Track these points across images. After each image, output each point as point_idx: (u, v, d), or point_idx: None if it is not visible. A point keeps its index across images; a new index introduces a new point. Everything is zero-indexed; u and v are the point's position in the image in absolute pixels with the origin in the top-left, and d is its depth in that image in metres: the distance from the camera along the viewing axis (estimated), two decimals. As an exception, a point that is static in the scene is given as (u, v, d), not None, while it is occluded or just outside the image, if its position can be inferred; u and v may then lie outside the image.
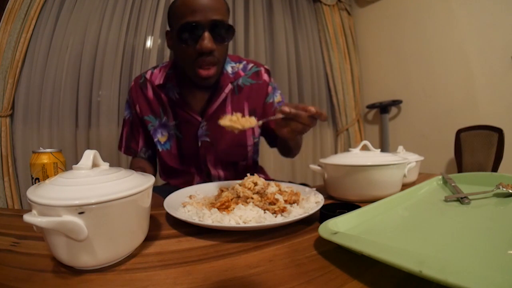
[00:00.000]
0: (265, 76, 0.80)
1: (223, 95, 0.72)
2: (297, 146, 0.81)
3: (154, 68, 0.77)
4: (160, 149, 0.75)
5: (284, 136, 0.56)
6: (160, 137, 0.75)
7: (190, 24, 0.58)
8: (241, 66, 0.77)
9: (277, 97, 0.83)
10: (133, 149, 0.80)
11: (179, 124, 0.73)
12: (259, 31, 1.94)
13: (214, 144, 0.75)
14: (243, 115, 0.60)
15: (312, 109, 0.50)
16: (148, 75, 0.75)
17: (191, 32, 0.59)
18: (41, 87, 1.37)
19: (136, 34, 1.58)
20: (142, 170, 0.72)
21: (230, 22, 0.66)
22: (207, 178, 0.79)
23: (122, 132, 0.82)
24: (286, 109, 0.50)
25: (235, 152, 0.78)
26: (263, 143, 0.96)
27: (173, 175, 0.80)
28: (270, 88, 0.80)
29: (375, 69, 2.30)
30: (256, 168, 0.88)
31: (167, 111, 0.73)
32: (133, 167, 0.79)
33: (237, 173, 0.82)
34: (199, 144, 0.74)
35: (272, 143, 0.90)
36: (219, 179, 0.80)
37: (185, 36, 0.60)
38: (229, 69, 0.75)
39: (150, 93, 0.74)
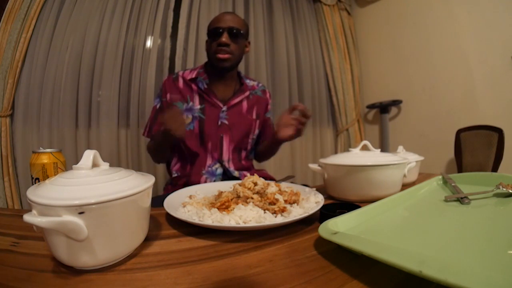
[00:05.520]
0: (268, 95, 1.09)
1: (242, 96, 0.98)
2: (275, 152, 1.07)
3: (185, 70, 1.00)
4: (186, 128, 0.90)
5: (287, 137, 0.85)
6: (185, 118, 0.91)
7: (216, 28, 0.88)
8: (255, 83, 1.06)
9: (271, 116, 1.10)
10: (154, 130, 0.95)
11: (204, 108, 0.93)
12: (259, 31, 1.94)
13: (231, 127, 0.95)
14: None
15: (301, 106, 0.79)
16: (180, 73, 0.98)
17: (216, 33, 0.88)
18: (41, 87, 1.36)
19: (136, 34, 1.58)
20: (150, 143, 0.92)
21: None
22: (219, 157, 0.94)
23: (149, 118, 0.98)
24: (301, 106, 0.79)
25: (243, 139, 0.99)
26: None
27: (187, 155, 0.95)
28: (269, 107, 1.09)
29: (375, 69, 2.30)
30: (250, 161, 1.08)
31: (194, 98, 0.94)
32: (148, 148, 0.98)
33: (239, 159, 0.99)
34: (219, 123, 0.93)
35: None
36: (227, 161, 0.95)
37: (212, 35, 0.89)
38: (248, 83, 1.03)
39: (181, 84, 0.95)
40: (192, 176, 0.90)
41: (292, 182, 0.67)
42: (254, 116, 1.00)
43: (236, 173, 0.94)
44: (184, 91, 0.95)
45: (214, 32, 0.88)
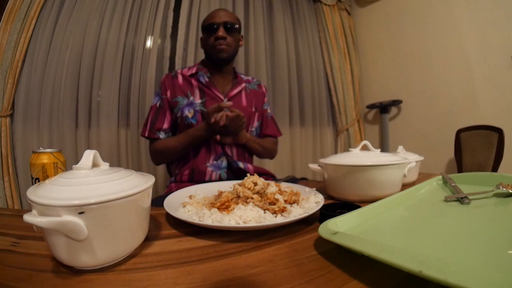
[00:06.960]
0: (264, 89, 1.13)
1: (239, 87, 1.02)
2: (263, 151, 1.04)
3: (183, 68, 1.03)
4: (189, 122, 0.93)
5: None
6: (188, 113, 0.94)
7: (212, 24, 0.92)
8: (249, 77, 1.11)
9: (268, 109, 1.12)
10: (156, 129, 0.95)
11: (205, 101, 0.95)
12: (259, 31, 1.94)
13: None
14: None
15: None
16: (179, 71, 1.01)
17: (212, 28, 0.92)
18: (41, 87, 1.36)
19: (136, 34, 1.58)
20: (165, 143, 0.94)
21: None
22: (223, 150, 0.94)
23: (148, 118, 0.97)
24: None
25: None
26: None
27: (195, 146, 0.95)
28: (266, 99, 1.12)
29: (375, 69, 2.30)
30: (250, 155, 1.06)
31: (195, 92, 0.96)
32: (157, 148, 0.95)
33: (243, 151, 1.00)
34: None
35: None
36: (230, 150, 0.96)
37: (208, 31, 0.94)
38: (243, 77, 1.07)
39: (180, 80, 0.98)
40: (196, 167, 0.91)
41: (293, 178, 0.67)
42: (253, 109, 1.03)
43: (241, 164, 0.94)
44: (183, 87, 0.97)
45: (210, 27, 0.92)
